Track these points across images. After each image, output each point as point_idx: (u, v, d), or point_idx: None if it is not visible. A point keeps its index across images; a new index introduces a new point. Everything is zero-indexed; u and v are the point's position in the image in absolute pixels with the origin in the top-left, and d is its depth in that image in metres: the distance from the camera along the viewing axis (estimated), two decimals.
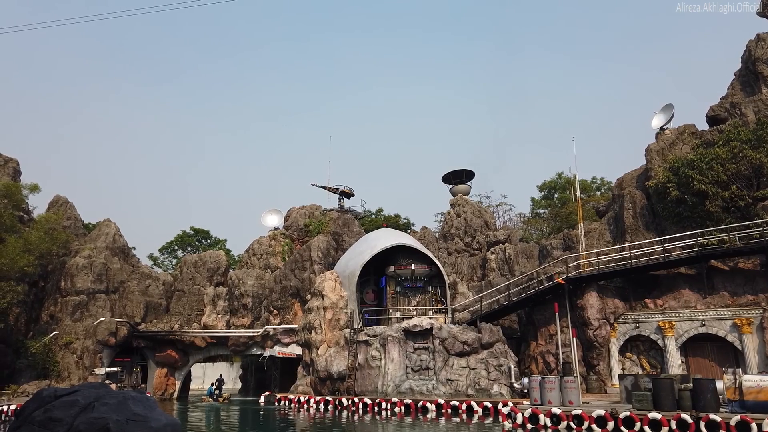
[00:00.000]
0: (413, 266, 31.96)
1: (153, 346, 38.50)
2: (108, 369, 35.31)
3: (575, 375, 23.95)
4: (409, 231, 48.21)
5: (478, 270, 40.55)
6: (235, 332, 38.24)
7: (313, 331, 31.10)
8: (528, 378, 24.04)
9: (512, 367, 27.44)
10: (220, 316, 39.50)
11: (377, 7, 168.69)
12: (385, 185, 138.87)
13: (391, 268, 32.20)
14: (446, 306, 31.70)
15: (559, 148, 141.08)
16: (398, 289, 32.38)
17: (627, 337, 27.75)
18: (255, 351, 37.93)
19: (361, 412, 26.08)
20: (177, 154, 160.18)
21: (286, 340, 36.47)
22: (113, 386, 23.10)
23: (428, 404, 25.38)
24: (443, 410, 24.82)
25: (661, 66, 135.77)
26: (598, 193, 52.63)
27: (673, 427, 16.75)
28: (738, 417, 16.06)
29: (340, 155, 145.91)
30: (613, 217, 34.26)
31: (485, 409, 24.32)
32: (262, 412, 30.00)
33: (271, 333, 36.98)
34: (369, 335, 29.18)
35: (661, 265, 27.66)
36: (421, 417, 24.11)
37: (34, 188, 40.09)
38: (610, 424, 17.73)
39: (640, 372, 26.11)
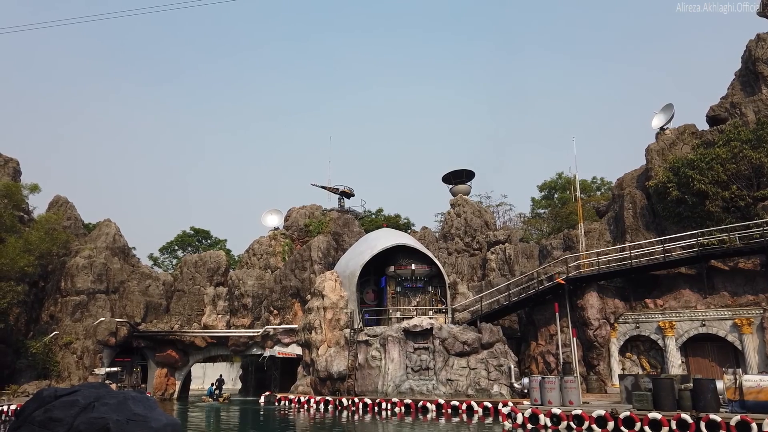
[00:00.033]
0: (413, 266, 31.97)
1: (153, 346, 38.51)
2: (108, 369, 35.31)
3: (575, 375, 23.94)
4: (409, 231, 48.21)
5: (478, 270, 40.55)
6: (235, 332, 38.25)
7: (313, 331, 31.11)
8: (528, 378, 24.04)
9: (512, 367, 27.44)
10: (220, 316, 39.50)
11: (377, 7, 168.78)
12: (385, 185, 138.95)
13: (392, 268, 32.20)
14: (446, 306, 31.70)
15: (559, 148, 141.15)
16: (398, 289, 32.38)
17: (627, 337, 27.74)
18: (255, 351, 37.93)
19: (361, 412, 26.08)
20: (177, 154, 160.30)
21: (286, 340, 36.47)
22: (113, 386, 23.11)
23: (428, 404, 25.38)
24: (443, 410, 24.82)
25: (661, 66, 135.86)
26: (599, 193, 52.62)
27: (674, 427, 16.74)
28: (738, 417, 16.06)
29: (340, 155, 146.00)
30: (614, 217, 34.26)
31: (485, 409, 24.32)
32: (262, 412, 30.00)
33: (271, 333, 36.99)
34: (369, 335, 29.18)
35: (662, 265, 27.66)
36: (421, 417, 24.11)
37: (35, 188, 40.12)
38: (611, 424, 17.72)
39: (641, 372, 26.11)
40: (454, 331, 28.21)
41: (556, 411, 19.06)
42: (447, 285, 32.17)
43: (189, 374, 41.28)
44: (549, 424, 19.07)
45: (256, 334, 37.31)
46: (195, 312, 40.37)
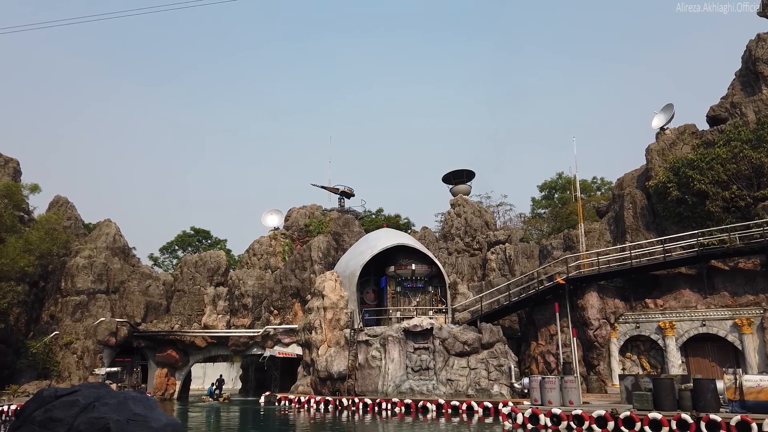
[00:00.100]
0: (413, 266, 31.97)
1: (153, 346, 38.51)
2: (108, 369, 35.33)
3: (575, 375, 23.94)
4: (409, 231, 48.21)
5: (478, 270, 40.55)
6: (235, 332, 38.25)
7: (313, 331, 31.11)
8: (528, 378, 24.03)
9: (512, 367, 27.44)
10: (220, 316, 39.51)
11: (377, 7, 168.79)
12: (385, 185, 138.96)
13: (392, 268, 32.21)
14: (446, 306, 31.70)
15: (559, 148, 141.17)
16: (398, 289, 32.38)
17: (627, 337, 27.74)
18: (255, 351, 37.94)
19: (361, 412, 26.08)
20: (177, 154, 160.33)
21: (286, 340, 36.48)
22: (113, 386, 23.12)
23: (428, 404, 25.38)
24: (443, 410, 24.82)
25: (661, 66, 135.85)
26: (599, 193, 52.60)
27: (674, 427, 16.74)
28: (738, 417, 16.06)
29: (340, 155, 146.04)
30: (614, 217, 34.26)
31: (485, 409, 24.32)
32: (262, 412, 30.01)
33: (271, 333, 36.99)
34: (369, 335, 29.18)
35: (662, 265, 27.66)
36: (421, 417, 24.11)
37: (35, 188, 40.13)
38: (611, 424, 17.72)
39: (641, 372, 26.10)
40: (454, 331, 28.21)
41: (557, 411, 19.06)
42: (447, 285, 32.17)
43: (189, 374, 41.30)
44: (549, 424, 19.07)
45: (256, 334, 37.31)
46: (195, 312, 40.38)
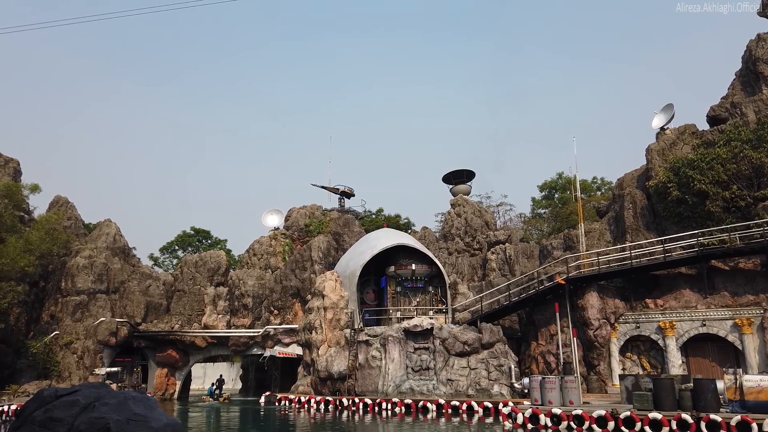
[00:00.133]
0: (414, 266, 31.96)
1: (153, 346, 38.52)
2: (108, 369, 35.34)
3: (576, 375, 23.93)
4: (409, 231, 48.21)
5: (478, 270, 40.55)
6: (235, 332, 38.26)
7: (313, 331, 31.11)
8: (528, 378, 24.03)
9: (513, 367, 27.44)
10: (220, 316, 39.51)
11: (377, 7, 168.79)
12: (386, 185, 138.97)
13: (392, 268, 32.21)
14: (447, 306, 31.70)
15: (559, 148, 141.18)
16: (399, 289, 32.38)
17: (627, 337, 27.73)
18: (255, 351, 37.94)
19: (361, 412, 26.08)
20: (177, 154, 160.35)
21: (286, 340, 36.48)
22: (114, 386, 23.13)
23: (429, 404, 25.37)
24: (444, 410, 24.82)
25: (661, 66, 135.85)
26: (599, 193, 52.59)
27: (674, 427, 16.74)
28: (738, 417, 16.05)
29: (341, 155, 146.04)
30: (614, 217, 34.25)
31: (486, 409, 24.32)
32: (262, 412, 30.01)
33: (271, 333, 36.99)
34: (369, 335, 29.18)
35: (662, 265, 27.65)
36: (421, 417, 24.11)
37: (35, 188, 40.15)
38: (611, 424, 17.72)
39: (641, 372, 26.10)
40: (454, 331, 28.21)
41: (557, 411, 19.05)
42: (447, 285, 32.17)
43: (189, 374, 41.30)
44: (549, 424, 19.06)
45: (256, 334, 37.32)
46: (195, 312, 40.39)
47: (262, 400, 33.59)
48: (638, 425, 17.17)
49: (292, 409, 28.63)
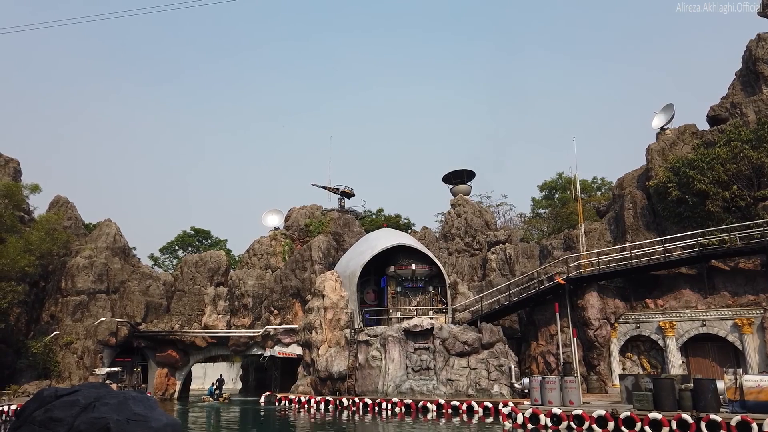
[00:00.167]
0: (414, 266, 31.96)
1: (153, 346, 38.52)
2: (108, 369, 35.34)
3: (576, 375, 23.93)
4: (409, 231, 48.21)
5: (478, 270, 40.55)
6: (235, 332, 38.26)
7: (313, 331, 31.11)
8: (528, 378, 24.02)
9: (513, 367, 27.43)
10: (220, 316, 39.52)
11: (377, 7, 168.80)
12: (386, 185, 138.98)
13: (392, 268, 32.20)
14: (447, 306, 31.69)
15: (559, 148, 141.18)
16: (399, 289, 32.38)
17: (627, 337, 27.73)
18: (255, 351, 37.94)
19: (361, 412, 26.08)
20: (177, 154, 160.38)
21: (286, 340, 36.48)
22: (114, 386, 23.12)
23: (429, 404, 25.37)
24: (444, 410, 24.81)
25: (661, 66, 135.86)
26: (599, 193, 52.59)
27: (674, 427, 16.74)
28: (739, 417, 16.05)
29: (341, 155, 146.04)
30: (614, 217, 34.25)
31: (486, 409, 24.32)
32: (262, 412, 30.01)
33: (271, 333, 36.99)
34: (369, 335, 29.18)
35: (662, 265, 27.65)
36: (421, 417, 24.11)
37: (35, 188, 40.16)
38: (611, 425, 17.72)
39: (641, 372, 26.10)
40: (454, 331, 28.21)
41: (557, 411, 19.05)
42: (447, 285, 32.16)
43: (189, 374, 41.31)
44: (549, 424, 19.06)
45: (256, 334, 37.32)
46: (195, 312, 40.39)
47: (262, 400, 33.59)
48: (638, 425, 17.17)
49: (292, 409, 28.63)
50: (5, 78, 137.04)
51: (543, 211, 55.79)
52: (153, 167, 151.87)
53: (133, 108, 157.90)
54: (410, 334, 28.30)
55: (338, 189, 47.49)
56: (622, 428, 17.47)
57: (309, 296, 34.05)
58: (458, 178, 47.73)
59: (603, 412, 17.98)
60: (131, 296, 39.66)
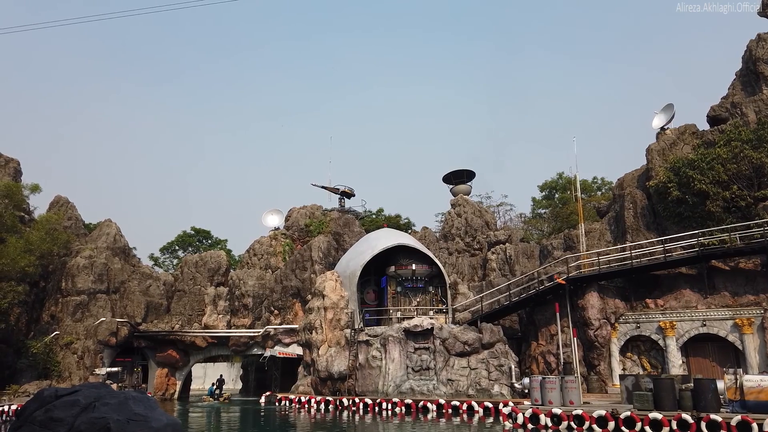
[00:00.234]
0: (414, 266, 31.96)
1: (154, 346, 38.53)
2: (109, 369, 35.35)
3: (576, 375, 23.92)
4: (409, 231, 48.20)
5: (478, 270, 40.54)
6: (235, 332, 38.26)
7: (313, 331, 31.11)
8: (529, 378, 24.02)
9: (513, 367, 27.43)
10: (220, 316, 39.52)
11: (377, 7, 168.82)
12: (386, 185, 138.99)
13: (392, 268, 32.20)
14: (447, 306, 31.70)
15: (559, 148, 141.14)
16: (399, 289, 32.38)
17: (628, 337, 27.73)
18: (256, 351, 37.94)
19: (361, 412, 26.08)
20: (177, 154, 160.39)
21: (286, 340, 36.48)
22: (114, 386, 23.11)
23: (429, 404, 25.37)
24: (444, 410, 24.81)
25: (661, 66, 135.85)
26: (599, 193, 52.58)
27: (674, 427, 16.73)
28: (739, 417, 16.05)
29: (341, 155, 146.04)
30: (614, 217, 34.24)
31: (486, 409, 24.31)
32: (262, 412, 30.01)
33: (271, 333, 37.00)
34: (370, 335, 29.18)
35: (662, 265, 27.64)
36: (421, 417, 24.11)
37: (35, 188, 40.17)
38: (611, 425, 17.72)
39: (641, 372, 26.09)
40: (454, 331, 28.21)
41: (557, 411, 19.05)
42: (447, 285, 32.17)
43: (189, 374, 41.31)
44: (549, 424, 19.06)
45: (256, 334, 37.32)
46: (195, 312, 40.40)
47: (263, 400, 33.60)
48: (638, 425, 17.17)
49: (293, 409, 28.63)
50: (5, 78, 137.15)
51: (543, 211, 55.78)
52: (153, 167, 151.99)
53: (133, 108, 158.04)
54: (410, 334, 28.30)
55: (338, 189, 47.50)
56: (623, 428, 17.47)
57: (309, 296, 34.05)
58: (458, 178, 47.73)
59: (603, 412, 17.98)
60: (131, 296, 39.67)
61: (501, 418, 20.52)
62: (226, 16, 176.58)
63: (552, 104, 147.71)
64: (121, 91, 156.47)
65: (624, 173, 35.81)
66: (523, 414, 19.63)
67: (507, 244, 40.58)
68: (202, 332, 38.43)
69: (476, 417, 23.78)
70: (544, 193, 57.08)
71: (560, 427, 18.80)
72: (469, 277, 39.70)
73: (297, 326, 34.92)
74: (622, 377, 21.81)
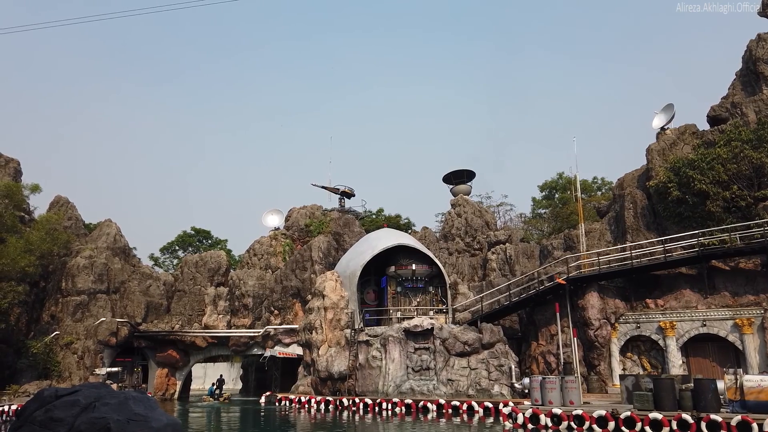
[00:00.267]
0: (414, 266, 31.96)
1: (154, 346, 38.53)
2: (109, 369, 35.34)
3: (576, 375, 23.92)
4: (409, 231, 48.20)
5: (478, 270, 40.54)
6: (235, 332, 38.26)
7: (313, 331, 31.11)
8: (529, 378, 24.01)
9: (513, 367, 27.43)
10: (220, 316, 39.52)
11: (377, 7, 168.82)
12: (386, 185, 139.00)
13: (392, 268, 32.20)
14: (447, 306, 31.69)
15: (559, 148, 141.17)
16: (399, 289, 32.38)
17: (628, 337, 27.72)
18: (256, 351, 37.95)
19: (361, 412, 26.08)
20: (177, 154, 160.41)
21: (286, 341, 36.48)
22: (114, 386, 23.11)
23: (429, 404, 25.37)
24: (444, 410, 24.81)
25: (661, 66, 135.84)
26: (599, 193, 52.56)
27: (674, 427, 16.73)
28: (739, 417, 16.04)
29: (341, 155, 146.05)
30: (614, 217, 34.24)
31: (486, 409, 24.31)
32: (262, 413, 30.01)
33: (271, 333, 37.00)
34: (370, 335, 29.18)
35: (662, 265, 27.64)
36: (421, 417, 24.11)
37: (35, 188, 40.17)
38: (611, 425, 17.71)
39: (641, 372, 26.09)
40: (454, 332, 28.20)
41: (557, 411, 19.05)
42: (448, 285, 32.16)
43: (189, 374, 41.31)
44: (550, 424, 19.06)
45: (256, 334, 37.32)
46: (196, 312, 40.40)
47: (263, 400, 33.60)
48: (638, 425, 17.16)
49: (293, 409, 28.63)
50: (5, 78, 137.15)
51: (543, 211, 55.77)
52: (153, 167, 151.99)
53: (133, 108, 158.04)
54: (410, 334, 28.29)
55: (338, 189, 47.50)
56: (623, 428, 17.46)
57: (309, 296, 34.05)
58: (458, 178, 47.72)
59: (603, 412, 17.98)
60: (131, 296, 39.67)
61: (501, 418, 20.52)
62: (226, 16, 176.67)
63: (552, 104, 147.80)
64: (121, 91, 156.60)
65: (624, 173, 35.83)
66: (523, 414, 19.62)
67: (507, 244, 40.57)
68: (202, 332, 38.43)
69: (476, 417, 23.77)
70: (544, 193, 57.07)
71: (560, 427, 18.80)
72: (469, 277, 39.69)
73: (297, 326, 34.92)
74: (622, 377, 21.80)
